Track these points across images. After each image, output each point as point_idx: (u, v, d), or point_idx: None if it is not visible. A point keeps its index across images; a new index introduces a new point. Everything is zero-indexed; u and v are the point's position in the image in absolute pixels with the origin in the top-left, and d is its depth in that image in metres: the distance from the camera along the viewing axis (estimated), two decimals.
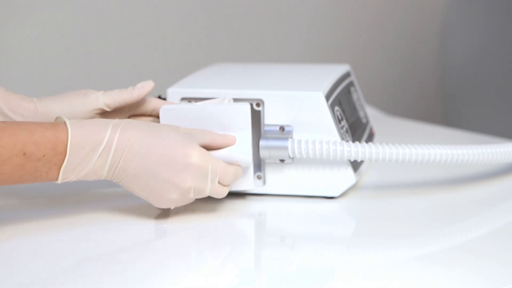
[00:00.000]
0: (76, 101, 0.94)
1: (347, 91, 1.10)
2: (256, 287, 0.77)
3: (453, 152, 0.97)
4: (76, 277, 0.77)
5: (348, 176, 0.98)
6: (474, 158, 0.99)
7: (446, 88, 2.06)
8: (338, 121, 0.99)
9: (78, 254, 0.83)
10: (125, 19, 1.63)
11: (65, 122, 0.85)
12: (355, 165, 0.99)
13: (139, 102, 0.98)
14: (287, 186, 0.99)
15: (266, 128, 0.97)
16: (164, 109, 0.94)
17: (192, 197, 0.90)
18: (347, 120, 1.03)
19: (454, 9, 1.99)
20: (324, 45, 1.92)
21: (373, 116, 1.40)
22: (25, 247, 0.85)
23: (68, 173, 0.85)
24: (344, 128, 1.00)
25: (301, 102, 0.97)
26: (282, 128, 0.97)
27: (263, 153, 0.95)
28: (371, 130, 1.17)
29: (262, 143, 0.95)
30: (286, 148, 0.95)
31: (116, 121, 0.87)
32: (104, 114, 0.96)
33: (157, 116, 0.97)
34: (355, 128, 1.07)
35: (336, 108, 1.00)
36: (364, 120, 1.15)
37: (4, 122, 0.82)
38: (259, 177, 0.99)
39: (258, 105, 0.97)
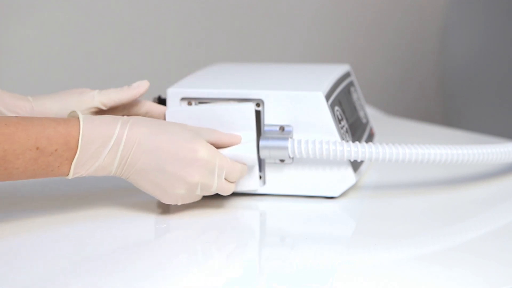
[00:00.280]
0: (72, 100, 0.95)
1: (347, 91, 1.10)
2: (256, 287, 0.77)
3: (453, 152, 0.97)
4: (78, 275, 0.77)
5: (348, 176, 0.98)
6: (474, 158, 0.99)
7: (446, 88, 2.06)
8: (338, 121, 0.99)
9: (80, 252, 0.83)
10: (125, 19, 1.63)
11: (76, 117, 0.86)
12: (355, 165, 0.99)
13: (133, 103, 0.99)
14: (287, 186, 0.99)
15: (266, 128, 0.97)
16: (170, 112, 0.96)
17: (199, 193, 0.91)
18: (347, 120, 1.03)
19: (454, 9, 1.99)
20: (324, 45, 1.92)
21: (373, 116, 1.40)
22: (24, 245, 0.85)
23: (79, 168, 0.86)
24: (344, 128, 1.00)
25: (301, 102, 0.97)
26: (282, 128, 0.97)
27: (263, 153, 0.95)
28: (371, 130, 1.17)
29: (262, 143, 0.95)
30: (286, 148, 0.95)
31: (125, 117, 0.89)
32: (99, 113, 0.96)
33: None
34: (355, 128, 1.07)
35: (336, 108, 1.00)
36: (364, 120, 1.15)
37: (17, 117, 0.84)
38: (259, 177, 0.99)
39: (258, 105, 0.97)
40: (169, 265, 0.81)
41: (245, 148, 0.94)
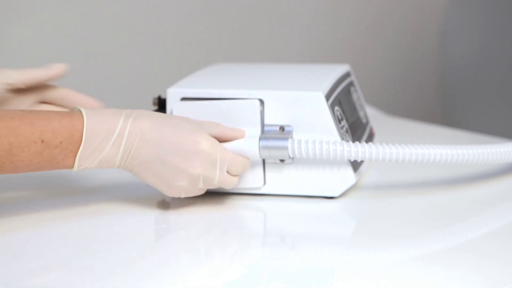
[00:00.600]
0: None
1: (347, 91, 1.10)
2: (256, 287, 0.77)
3: (453, 152, 0.97)
4: (78, 275, 0.77)
5: (348, 176, 0.98)
6: (474, 158, 0.99)
7: (446, 88, 2.06)
8: (338, 121, 0.99)
9: (79, 251, 0.83)
10: (125, 19, 1.63)
11: (80, 111, 0.87)
12: (355, 165, 0.99)
13: (50, 87, 1.02)
14: (287, 186, 0.99)
15: (266, 128, 0.97)
16: (176, 106, 0.97)
17: (201, 187, 0.91)
18: (347, 120, 1.03)
19: (454, 9, 1.99)
20: (324, 45, 1.92)
21: (373, 116, 1.40)
22: (20, 242, 0.85)
23: (83, 161, 0.87)
24: (344, 128, 1.00)
25: (301, 102, 0.97)
26: (282, 128, 0.97)
27: (263, 153, 0.95)
28: (371, 130, 1.17)
29: (262, 143, 0.95)
30: (286, 148, 0.95)
31: (128, 110, 0.90)
32: (15, 92, 0.98)
33: (65, 106, 1.01)
34: (355, 128, 1.07)
35: (336, 108, 1.00)
36: (364, 120, 1.15)
37: (22, 110, 0.86)
38: (263, 174, 0.98)
39: None
40: (169, 265, 0.81)
41: (248, 142, 0.94)
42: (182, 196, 0.92)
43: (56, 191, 1.03)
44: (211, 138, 0.91)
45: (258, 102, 0.96)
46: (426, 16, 2.07)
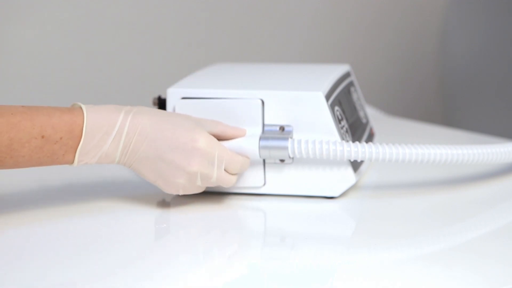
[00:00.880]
0: None
1: (347, 91, 1.10)
2: (256, 287, 0.77)
3: (453, 152, 0.97)
4: (78, 274, 0.77)
5: (348, 176, 0.98)
6: (474, 158, 0.99)
7: (446, 88, 2.06)
8: (338, 121, 0.99)
9: (80, 249, 0.83)
10: (125, 19, 1.63)
11: (80, 107, 0.88)
12: (355, 165, 0.99)
13: None
14: (287, 186, 0.99)
15: (266, 128, 0.97)
16: (179, 103, 0.97)
17: (199, 184, 0.91)
18: (347, 120, 1.03)
19: (454, 9, 1.99)
20: (324, 45, 1.92)
21: (373, 116, 1.40)
22: (19, 240, 0.85)
23: (83, 156, 0.88)
24: (344, 128, 1.00)
25: (301, 102, 0.97)
26: (282, 128, 0.97)
27: (263, 153, 0.95)
28: (371, 130, 1.17)
29: (262, 143, 0.95)
30: (286, 148, 0.95)
31: (128, 107, 0.90)
32: None
33: None
34: (355, 128, 1.07)
35: (336, 108, 1.00)
36: (364, 120, 1.15)
37: (23, 106, 0.86)
38: (264, 174, 0.98)
39: None
40: (169, 265, 0.81)
41: (249, 142, 0.95)
42: (180, 193, 0.92)
43: (56, 190, 1.03)
44: (209, 135, 0.91)
45: (260, 102, 0.96)
46: (426, 16, 2.07)
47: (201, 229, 0.91)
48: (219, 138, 0.94)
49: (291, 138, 0.95)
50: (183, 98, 0.98)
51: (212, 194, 0.99)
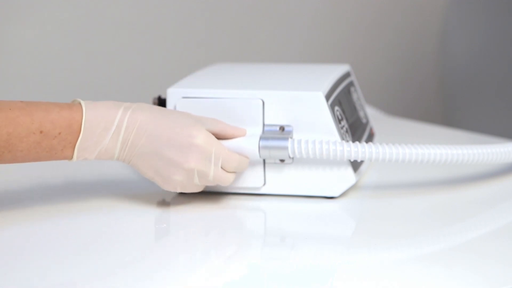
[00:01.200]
0: None
1: (347, 91, 1.10)
2: (256, 287, 0.77)
3: (453, 152, 0.97)
4: (78, 274, 0.77)
5: (348, 176, 0.98)
6: (474, 158, 0.99)
7: (446, 88, 2.06)
8: (338, 121, 0.99)
9: (80, 249, 0.83)
10: (125, 19, 1.63)
11: (80, 103, 0.88)
12: (355, 165, 0.99)
13: None
14: (287, 186, 0.99)
15: (266, 128, 0.97)
16: (180, 102, 0.97)
17: (197, 182, 0.91)
18: (347, 120, 1.03)
19: (454, 9, 1.99)
20: (324, 45, 1.92)
21: (373, 116, 1.40)
22: (17, 239, 0.85)
23: (82, 152, 0.88)
24: (344, 128, 1.00)
25: (301, 102, 0.97)
26: (282, 128, 0.97)
27: (263, 153, 0.95)
28: (371, 130, 1.17)
29: (262, 143, 0.95)
30: (286, 148, 0.95)
31: (128, 103, 0.91)
32: None
33: None
34: (355, 128, 1.07)
35: (336, 108, 1.00)
36: (364, 120, 1.15)
37: (22, 102, 0.86)
38: (263, 174, 0.98)
39: None
40: (169, 265, 0.81)
41: (249, 142, 0.95)
42: (178, 191, 0.92)
43: (57, 189, 1.02)
44: (207, 133, 0.91)
45: (261, 102, 0.96)
46: (426, 16, 2.07)
47: (201, 229, 0.91)
48: (219, 137, 0.94)
49: (291, 138, 0.95)
50: (183, 98, 0.98)
51: (212, 194, 0.99)
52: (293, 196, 0.99)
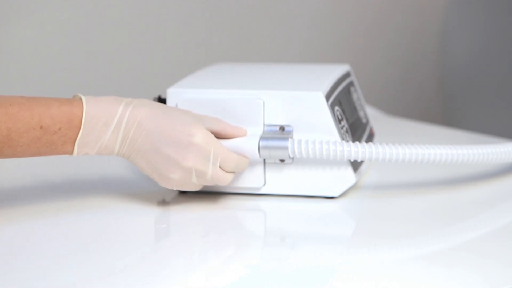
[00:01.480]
0: None
1: (347, 91, 1.10)
2: (256, 287, 0.77)
3: (453, 152, 0.97)
4: (78, 274, 0.77)
5: (348, 176, 0.98)
6: (474, 158, 0.99)
7: (446, 88, 2.06)
8: (338, 121, 0.99)
9: (80, 249, 0.83)
10: (125, 19, 1.63)
11: (80, 98, 0.88)
12: (355, 165, 0.99)
13: None
14: (287, 186, 0.99)
15: (266, 128, 0.97)
16: (181, 99, 0.97)
17: (195, 181, 0.91)
18: (347, 120, 1.03)
19: (454, 9, 1.99)
20: (324, 45, 1.92)
21: (373, 116, 1.40)
22: (16, 239, 0.85)
23: (82, 147, 0.88)
24: (344, 128, 1.00)
25: (301, 102, 0.97)
26: (282, 128, 0.97)
27: (263, 153, 0.95)
28: (371, 130, 1.17)
29: (262, 143, 0.95)
30: (286, 148, 0.95)
31: (129, 99, 0.90)
32: None
33: None
34: (355, 128, 1.07)
35: (336, 108, 1.00)
36: (364, 120, 1.15)
37: (22, 97, 0.86)
38: (263, 175, 0.98)
39: None
40: (169, 265, 0.81)
41: (249, 142, 0.95)
42: (175, 188, 0.92)
43: (57, 188, 1.02)
44: (206, 131, 0.91)
45: (262, 102, 0.96)
46: (426, 16, 2.07)
47: (201, 229, 0.91)
48: (219, 136, 0.94)
49: (291, 138, 0.95)
50: (184, 97, 0.98)
51: (212, 194, 0.99)
52: (293, 196, 0.99)
